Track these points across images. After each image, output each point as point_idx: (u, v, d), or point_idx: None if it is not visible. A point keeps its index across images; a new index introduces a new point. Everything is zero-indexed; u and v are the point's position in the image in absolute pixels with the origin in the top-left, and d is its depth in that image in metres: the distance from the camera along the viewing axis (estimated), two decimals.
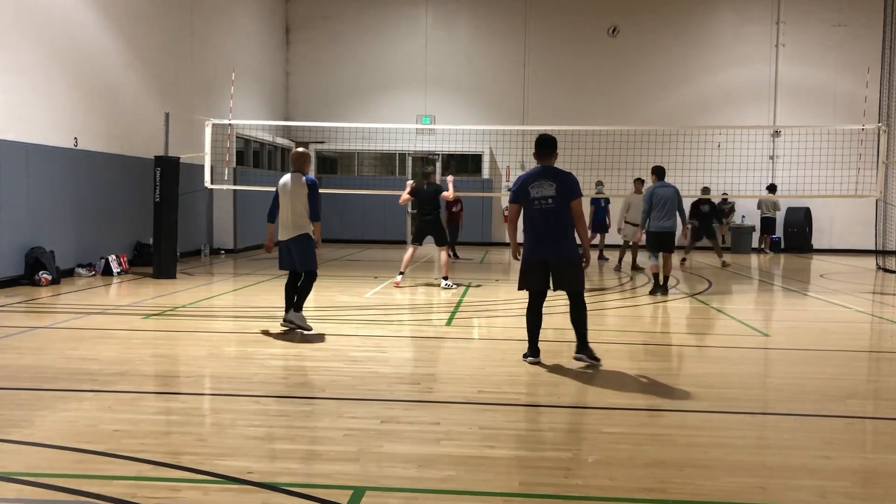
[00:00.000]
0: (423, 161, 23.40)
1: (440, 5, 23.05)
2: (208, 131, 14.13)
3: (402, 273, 12.15)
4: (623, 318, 9.58)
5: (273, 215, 8.02)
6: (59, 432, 4.51)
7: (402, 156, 23.25)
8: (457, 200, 18.29)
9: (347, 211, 22.40)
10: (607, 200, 17.20)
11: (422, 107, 22.90)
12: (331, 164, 24.16)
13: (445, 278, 12.06)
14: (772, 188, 20.63)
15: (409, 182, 12.65)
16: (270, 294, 11.10)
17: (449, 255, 12.42)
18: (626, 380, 6.27)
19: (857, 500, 3.73)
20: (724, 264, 16.38)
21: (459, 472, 3.97)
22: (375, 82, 23.01)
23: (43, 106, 11.74)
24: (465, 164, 23.57)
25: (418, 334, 8.25)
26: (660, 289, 11.17)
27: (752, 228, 21.48)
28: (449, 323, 8.73)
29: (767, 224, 21.37)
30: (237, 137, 18.77)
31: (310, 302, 10.67)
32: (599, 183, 17.42)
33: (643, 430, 4.76)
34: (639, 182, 15.25)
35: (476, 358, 6.97)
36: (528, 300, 6.55)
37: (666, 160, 19.20)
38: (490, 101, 22.74)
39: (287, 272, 8.13)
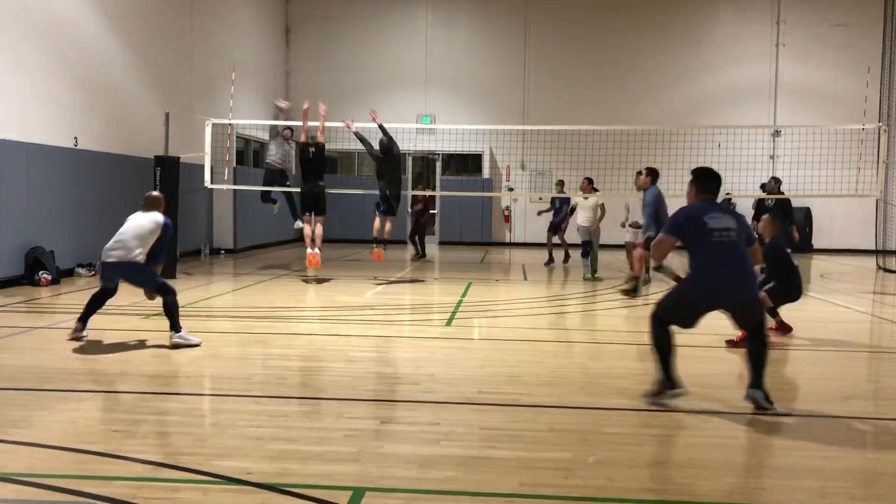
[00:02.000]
0: (426, 160, 23.36)
1: (440, 5, 23.04)
2: (208, 131, 14.12)
3: (311, 250, 12.06)
4: (623, 318, 9.57)
5: None
6: (59, 432, 4.51)
7: (403, 156, 23.21)
8: (418, 200, 17.48)
9: (347, 211, 22.36)
10: (566, 201, 15.72)
11: (422, 107, 22.89)
12: (331, 164, 24.12)
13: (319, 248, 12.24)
14: (765, 187, 20.50)
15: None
16: (270, 294, 11.10)
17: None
18: (626, 380, 6.27)
19: (857, 500, 3.73)
20: None
21: (460, 472, 3.97)
22: (375, 82, 22.99)
23: (43, 106, 11.73)
24: (465, 164, 23.56)
25: (418, 334, 8.24)
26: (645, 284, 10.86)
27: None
28: (449, 323, 8.73)
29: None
30: (237, 137, 18.76)
31: (310, 302, 10.70)
32: (560, 182, 16.41)
33: (643, 430, 4.76)
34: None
35: (476, 358, 6.97)
36: (655, 324, 5.41)
37: (666, 160, 19.20)
38: (490, 101, 22.73)
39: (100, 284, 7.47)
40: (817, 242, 22.11)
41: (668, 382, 5.32)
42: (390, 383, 5.89)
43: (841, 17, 21.86)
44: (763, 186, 15.94)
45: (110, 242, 7.20)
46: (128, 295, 10.74)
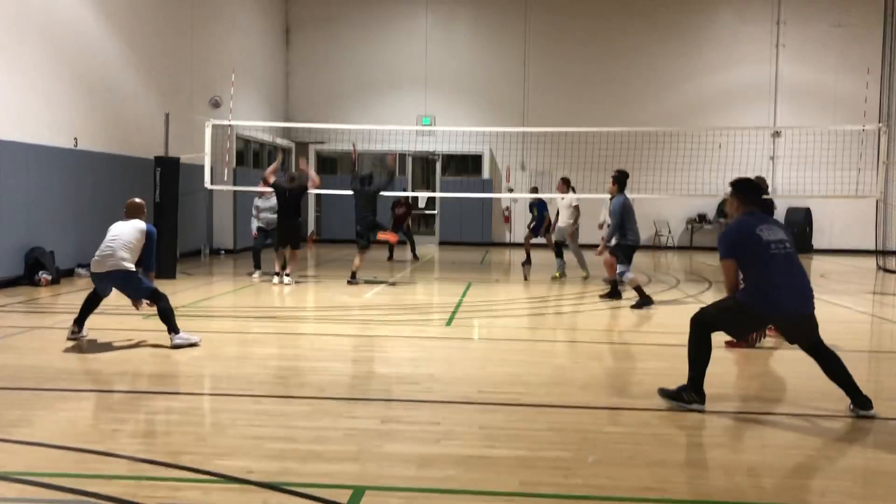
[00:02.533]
0: (426, 161, 23.35)
1: (440, 5, 23.06)
2: (208, 131, 14.12)
3: (277, 273, 12.04)
4: (624, 318, 9.56)
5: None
6: (59, 432, 4.51)
7: (402, 156, 23.24)
8: (400, 203, 16.86)
9: (347, 211, 22.39)
10: (543, 205, 14.64)
11: (422, 107, 22.90)
12: (331, 164, 24.15)
13: (288, 274, 12.00)
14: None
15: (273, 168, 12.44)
16: (270, 294, 11.11)
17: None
18: (626, 380, 6.28)
19: (857, 500, 3.73)
20: None
21: (459, 471, 3.97)
22: (375, 82, 23.01)
23: (43, 106, 11.73)
24: (465, 165, 23.57)
25: (418, 334, 8.24)
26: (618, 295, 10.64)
27: None
28: (449, 323, 8.73)
29: None
30: (237, 138, 18.76)
31: (310, 302, 10.71)
32: (534, 189, 15.93)
33: (643, 430, 4.76)
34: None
35: (476, 358, 6.97)
36: (698, 330, 5.27)
37: (666, 160, 19.27)
38: (490, 102, 22.74)
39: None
40: (817, 243, 22.12)
41: (695, 395, 5.17)
42: (390, 383, 5.89)
43: (841, 17, 21.87)
44: None
45: (98, 254, 7.14)
46: None
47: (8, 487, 3.67)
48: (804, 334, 5.28)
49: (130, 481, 3.76)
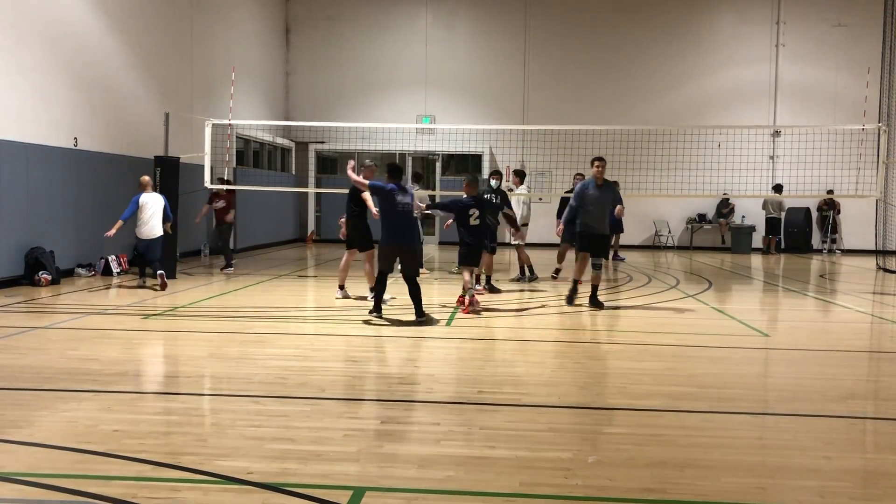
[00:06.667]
0: (426, 160, 23.36)
1: (440, 5, 23.05)
2: (208, 131, 14.11)
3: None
4: (625, 318, 9.57)
5: (127, 218, 11.08)
6: (59, 432, 4.51)
7: (402, 156, 23.22)
8: (218, 195, 14.35)
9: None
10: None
11: (422, 107, 22.89)
12: (331, 164, 24.14)
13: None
14: (778, 188, 20.42)
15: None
16: (270, 294, 11.11)
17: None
18: (626, 380, 6.28)
19: (857, 500, 3.73)
20: None
21: (459, 472, 3.97)
22: (375, 82, 23.01)
23: (43, 106, 11.73)
24: (464, 164, 23.55)
25: (418, 334, 8.24)
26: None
27: (752, 228, 21.48)
28: (449, 323, 8.73)
29: (773, 225, 21.03)
30: (237, 137, 18.76)
31: (310, 302, 10.71)
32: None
33: (643, 430, 4.76)
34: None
35: (476, 358, 6.97)
36: (378, 276, 8.84)
37: (666, 160, 19.27)
38: (490, 101, 22.74)
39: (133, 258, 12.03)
40: (817, 243, 22.11)
41: (376, 311, 8.73)
42: (390, 383, 5.89)
43: (841, 17, 21.87)
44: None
45: (146, 223, 11.13)
46: (128, 295, 10.78)
47: (8, 488, 3.67)
48: (407, 262, 8.68)
49: (130, 482, 3.76)
